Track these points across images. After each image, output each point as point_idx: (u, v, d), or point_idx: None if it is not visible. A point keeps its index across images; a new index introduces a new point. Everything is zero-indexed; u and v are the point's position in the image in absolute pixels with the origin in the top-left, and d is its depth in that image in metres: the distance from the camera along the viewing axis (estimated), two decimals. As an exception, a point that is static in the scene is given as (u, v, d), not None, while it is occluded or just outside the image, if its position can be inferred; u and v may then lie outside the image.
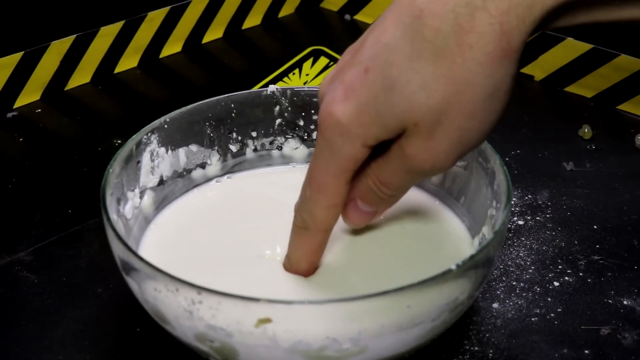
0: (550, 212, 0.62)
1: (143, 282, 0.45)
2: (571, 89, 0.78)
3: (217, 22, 0.88)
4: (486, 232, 0.51)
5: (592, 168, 0.67)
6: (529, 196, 0.63)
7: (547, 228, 0.60)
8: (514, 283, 0.55)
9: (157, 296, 0.44)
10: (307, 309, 0.42)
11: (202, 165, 0.58)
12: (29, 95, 0.77)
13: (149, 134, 0.54)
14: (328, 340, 0.43)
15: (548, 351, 0.50)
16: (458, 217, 0.55)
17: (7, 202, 0.64)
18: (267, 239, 0.53)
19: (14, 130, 0.74)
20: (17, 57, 0.75)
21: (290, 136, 0.60)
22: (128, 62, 0.82)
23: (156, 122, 0.55)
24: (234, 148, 0.59)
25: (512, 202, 0.62)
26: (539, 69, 0.79)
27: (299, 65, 0.83)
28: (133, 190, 0.53)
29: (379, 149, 0.44)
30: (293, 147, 0.60)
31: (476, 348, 0.50)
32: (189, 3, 0.84)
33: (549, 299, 0.54)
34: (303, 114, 0.59)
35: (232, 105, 0.58)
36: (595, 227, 0.60)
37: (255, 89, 0.67)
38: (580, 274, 0.56)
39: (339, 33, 0.92)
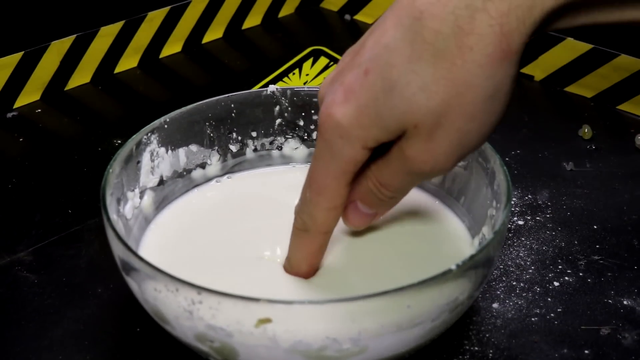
0: (550, 212, 0.62)
1: (143, 282, 0.45)
2: (571, 89, 0.78)
3: (217, 22, 0.88)
4: (486, 232, 0.51)
5: (592, 168, 0.67)
6: (529, 196, 0.63)
7: (547, 228, 0.60)
8: (514, 283, 0.55)
9: (157, 296, 0.44)
10: (307, 309, 0.42)
11: (202, 165, 0.58)
12: (29, 95, 0.77)
13: (149, 134, 0.54)
14: (328, 340, 0.43)
15: (548, 351, 0.50)
16: (458, 217, 0.55)
17: (7, 202, 0.64)
18: (267, 239, 0.53)
19: (14, 130, 0.74)
20: (17, 57, 0.75)
21: (290, 136, 0.60)
22: (128, 62, 0.82)
23: (156, 122, 0.55)
24: (234, 148, 0.59)
25: (512, 202, 0.62)
26: (539, 69, 0.79)
27: (299, 65, 0.83)
28: (133, 190, 0.53)
29: (379, 151, 0.44)
30: (293, 147, 0.60)
31: (476, 348, 0.50)
32: (189, 3, 0.85)
33: (549, 299, 0.54)
34: (303, 114, 0.59)
35: (232, 105, 0.58)
36: (595, 227, 0.60)
37: (255, 89, 0.67)
38: (580, 274, 0.56)
39: (339, 33, 0.92)
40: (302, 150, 0.60)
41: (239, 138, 0.59)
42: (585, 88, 0.77)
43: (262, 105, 0.59)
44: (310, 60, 0.84)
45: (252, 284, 0.49)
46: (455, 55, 0.40)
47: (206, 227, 0.55)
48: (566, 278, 0.55)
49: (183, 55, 0.86)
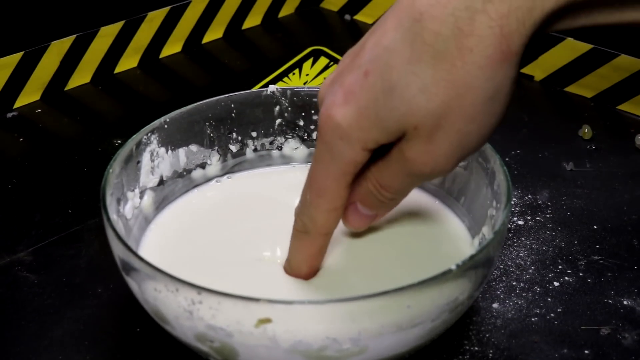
0: (550, 212, 0.62)
1: (143, 282, 0.45)
2: (571, 89, 0.78)
3: (217, 22, 0.88)
4: (486, 232, 0.51)
5: (592, 168, 0.67)
6: (529, 196, 0.63)
7: (547, 228, 0.60)
8: (514, 283, 0.55)
9: (157, 296, 0.44)
10: (307, 309, 0.42)
11: (202, 165, 0.58)
12: (29, 95, 0.77)
13: (149, 134, 0.54)
14: (328, 340, 0.43)
15: (548, 351, 0.50)
16: (458, 217, 0.55)
17: (7, 202, 0.64)
18: (267, 239, 0.53)
19: (14, 130, 0.74)
20: (17, 57, 0.75)
21: (290, 136, 0.60)
22: (128, 62, 0.82)
23: (156, 122, 0.55)
24: (234, 148, 0.59)
25: (512, 202, 0.62)
26: (539, 69, 0.79)
27: (299, 65, 0.83)
28: (133, 190, 0.53)
29: (379, 153, 0.44)
30: (293, 147, 0.60)
31: (476, 348, 0.50)
32: (189, 3, 0.85)
33: (549, 299, 0.54)
34: (303, 114, 0.59)
35: (232, 105, 0.58)
36: (595, 227, 0.60)
37: (255, 89, 0.67)
38: (580, 274, 0.56)
39: (339, 33, 0.92)
40: (302, 150, 0.60)
41: (239, 138, 0.59)
42: (585, 88, 0.77)
43: (262, 105, 0.59)
44: (310, 61, 0.84)
45: (252, 284, 0.49)
46: (455, 57, 0.40)
47: (206, 227, 0.55)
48: (566, 278, 0.55)
49: (183, 55, 0.86)
